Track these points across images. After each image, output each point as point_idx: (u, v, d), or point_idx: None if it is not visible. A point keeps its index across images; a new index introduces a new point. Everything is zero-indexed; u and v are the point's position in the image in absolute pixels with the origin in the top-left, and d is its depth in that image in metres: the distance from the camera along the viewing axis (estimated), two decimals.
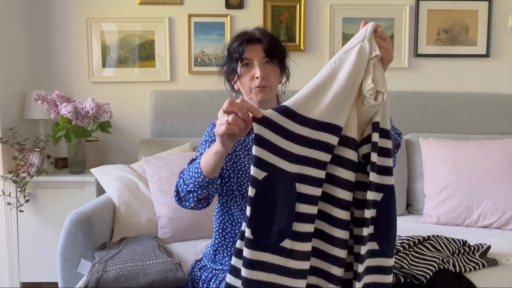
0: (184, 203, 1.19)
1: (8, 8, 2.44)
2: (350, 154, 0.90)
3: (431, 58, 2.71)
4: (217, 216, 1.36)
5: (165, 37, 2.67)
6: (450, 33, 2.70)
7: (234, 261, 0.89)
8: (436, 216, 2.11)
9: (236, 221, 1.31)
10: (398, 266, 1.45)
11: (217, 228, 1.36)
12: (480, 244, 1.66)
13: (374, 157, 0.89)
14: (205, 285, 1.31)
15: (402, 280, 1.39)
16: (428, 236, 1.67)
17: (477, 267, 1.53)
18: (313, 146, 0.88)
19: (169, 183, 1.95)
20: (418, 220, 2.17)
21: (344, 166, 0.90)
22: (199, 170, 1.08)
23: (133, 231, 1.92)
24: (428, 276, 1.40)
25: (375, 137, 0.90)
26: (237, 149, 1.33)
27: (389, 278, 0.93)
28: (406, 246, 1.59)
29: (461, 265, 1.52)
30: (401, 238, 1.63)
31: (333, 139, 0.89)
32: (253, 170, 0.86)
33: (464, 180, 2.09)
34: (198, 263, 1.44)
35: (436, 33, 2.70)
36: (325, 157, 0.89)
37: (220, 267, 1.34)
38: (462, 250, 1.63)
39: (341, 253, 0.89)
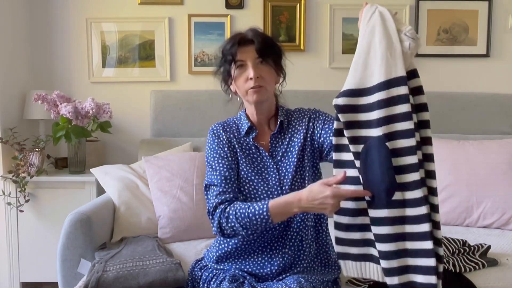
0: (230, 237, 1.25)
1: (8, 8, 2.44)
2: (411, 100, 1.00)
3: (431, 58, 2.71)
4: None
5: (165, 37, 2.67)
6: (450, 33, 2.70)
7: (336, 233, 1.07)
8: None
9: None
10: None
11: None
12: (480, 244, 1.66)
13: (423, 99, 1.01)
14: (205, 285, 1.31)
15: None
16: None
17: (477, 267, 1.53)
18: (389, 104, 0.97)
19: (169, 183, 1.95)
20: None
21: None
22: (270, 221, 1.15)
23: (133, 231, 1.92)
24: None
25: (418, 81, 1.01)
26: (238, 150, 1.33)
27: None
28: None
29: (461, 265, 1.52)
30: None
31: (403, 89, 0.97)
32: (353, 147, 1.01)
33: (464, 180, 2.09)
34: (199, 263, 1.44)
35: (436, 33, 2.70)
36: (406, 107, 0.97)
37: (221, 267, 1.35)
38: (462, 250, 1.63)
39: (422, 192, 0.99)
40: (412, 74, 1.01)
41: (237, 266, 1.32)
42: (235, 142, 1.34)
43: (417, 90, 1.01)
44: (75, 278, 1.69)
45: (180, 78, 2.71)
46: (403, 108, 0.96)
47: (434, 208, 1.00)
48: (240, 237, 1.25)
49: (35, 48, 2.67)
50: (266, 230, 1.27)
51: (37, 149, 2.32)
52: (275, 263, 1.28)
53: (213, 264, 1.37)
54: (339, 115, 1.03)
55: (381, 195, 0.98)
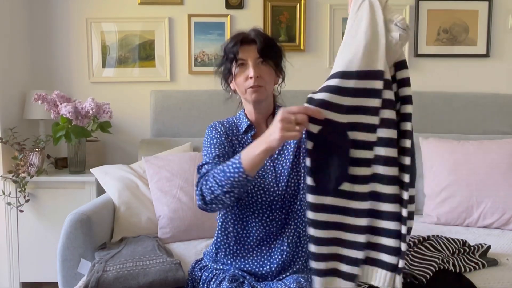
0: (211, 205, 1.18)
1: (8, 8, 2.44)
2: (390, 95, 0.97)
3: (431, 58, 2.71)
4: (220, 215, 1.37)
5: (165, 37, 2.67)
6: (450, 33, 2.70)
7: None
8: (436, 216, 2.11)
9: (238, 219, 1.32)
10: None
11: (219, 227, 1.37)
12: (480, 244, 1.66)
13: (408, 91, 0.98)
14: (205, 285, 1.32)
15: (402, 280, 1.39)
16: (428, 236, 1.67)
17: (477, 267, 1.53)
18: (361, 95, 0.95)
19: (169, 183, 1.95)
20: (418, 220, 2.16)
21: (389, 108, 0.97)
22: (241, 170, 1.07)
23: (133, 231, 1.92)
24: (428, 276, 1.40)
25: (406, 73, 0.99)
26: (237, 148, 1.33)
27: (413, 207, 1.03)
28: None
29: (461, 265, 1.52)
30: None
31: (378, 84, 0.95)
32: (309, 126, 0.96)
33: (464, 180, 2.09)
34: (199, 263, 1.44)
35: (436, 33, 2.70)
36: (375, 102, 0.95)
37: (221, 267, 1.35)
38: (462, 250, 1.63)
39: (395, 189, 0.97)
40: (401, 64, 0.99)
41: (237, 266, 1.32)
42: (234, 138, 1.35)
43: (404, 82, 0.99)
44: (75, 278, 1.69)
45: (180, 78, 2.71)
46: (374, 102, 0.95)
47: (402, 203, 0.99)
48: (220, 205, 1.18)
49: (35, 48, 2.67)
50: (244, 189, 1.15)
51: (37, 149, 2.32)
52: (274, 261, 1.29)
53: (212, 264, 1.37)
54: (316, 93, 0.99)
55: (331, 182, 0.96)
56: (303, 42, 2.67)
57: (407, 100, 0.98)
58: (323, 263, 0.98)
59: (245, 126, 1.36)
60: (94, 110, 2.25)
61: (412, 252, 1.56)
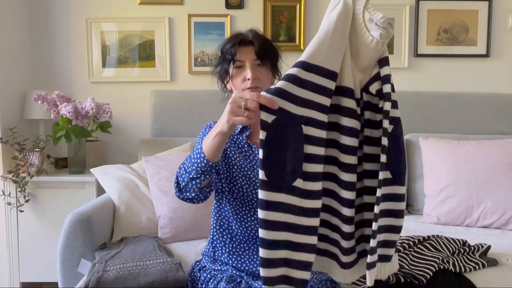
0: (185, 193, 1.19)
1: (8, 8, 2.45)
2: (349, 103, 0.94)
3: (431, 58, 2.72)
4: (214, 213, 1.37)
5: (165, 37, 2.67)
6: (450, 33, 2.70)
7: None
8: (436, 216, 2.11)
9: (232, 216, 1.32)
10: (398, 266, 1.46)
11: (214, 225, 1.37)
12: (480, 244, 1.66)
13: (388, 88, 0.94)
14: (203, 286, 1.32)
15: (402, 280, 1.39)
16: (428, 236, 1.67)
17: (477, 267, 1.53)
18: (316, 91, 0.92)
19: (169, 183, 1.95)
20: (418, 220, 2.17)
21: (345, 115, 0.94)
22: (202, 155, 1.09)
23: (133, 231, 1.92)
24: (428, 276, 1.40)
25: (388, 70, 0.95)
26: (231, 146, 1.34)
27: (402, 205, 0.98)
28: (406, 246, 1.59)
29: (461, 265, 1.52)
30: (401, 238, 1.63)
31: (331, 84, 0.92)
32: (262, 114, 0.89)
33: (464, 180, 2.09)
34: (198, 264, 1.45)
35: (436, 33, 2.70)
36: (326, 101, 0.92)
37: (219, 268, 1.35)
38: (462, 250, 1.63)
39: (349, 194, 0.94)
40: (384, 61, 0.96)
41: (234, 265, 1.32)
42: (229, 139, 1.35)
43: (385, 79, 0.96)
44: (75, 278, 1.69)
45: (180, 78, 2.71)
46: (324, 100, 0.92)
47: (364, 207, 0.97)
48: (194, 193, 1.18)
49: (35, 48, 2.67)
50: (211, 177, 1.18)
51: (37, 149, 2.32)
52: None
53: (211, 265, 1.37)
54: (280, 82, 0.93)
55: (285, 177, 0.89)
56: (303, 42, 2.67)
57: (386, 97, 0.95)
58: (274, 269, 0.90)
59: (241, 126, 1.36)
60: (94, 110, 2.25)
61: (412, 252, 1.56)
